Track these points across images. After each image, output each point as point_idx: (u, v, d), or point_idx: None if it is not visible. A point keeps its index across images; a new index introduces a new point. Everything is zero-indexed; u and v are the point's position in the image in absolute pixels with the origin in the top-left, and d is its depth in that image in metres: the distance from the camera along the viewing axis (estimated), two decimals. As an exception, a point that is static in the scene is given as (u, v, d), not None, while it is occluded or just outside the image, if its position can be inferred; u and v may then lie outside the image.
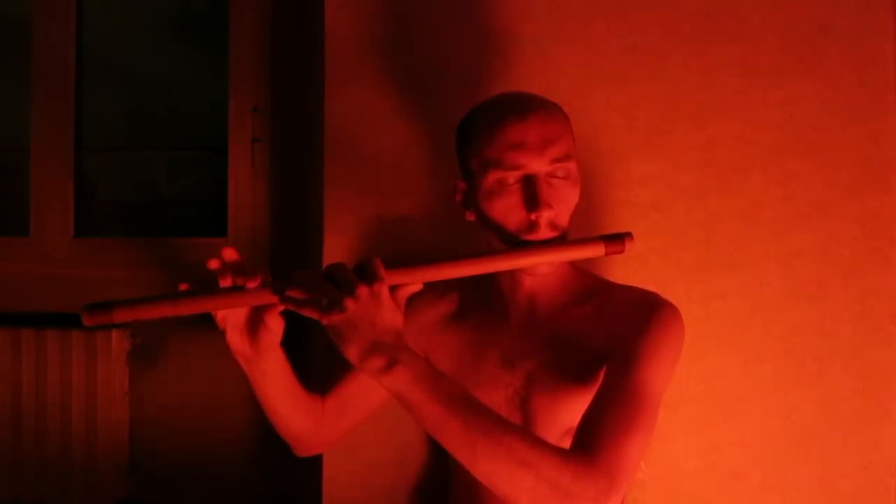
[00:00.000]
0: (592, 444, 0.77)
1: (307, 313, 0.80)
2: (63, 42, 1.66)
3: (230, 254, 0.85)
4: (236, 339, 0.88)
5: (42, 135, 1.66)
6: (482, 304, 1.07)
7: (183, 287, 0.84)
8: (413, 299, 0.86)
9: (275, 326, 0.87)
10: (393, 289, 0.83)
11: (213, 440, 1.60)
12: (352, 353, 0.78)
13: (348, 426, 1.10)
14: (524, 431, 0.77)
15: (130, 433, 1.60)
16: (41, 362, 1.55)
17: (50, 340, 1.55)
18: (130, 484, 1.60)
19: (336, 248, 1.26)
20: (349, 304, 0.77)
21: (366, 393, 1.07)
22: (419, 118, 1.26)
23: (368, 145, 1.27)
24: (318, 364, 1.30)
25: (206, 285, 0.84)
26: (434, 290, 1.07)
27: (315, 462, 1.29)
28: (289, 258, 1.60)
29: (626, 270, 1.21)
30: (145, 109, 1.78)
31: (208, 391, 1.60)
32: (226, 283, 0.84)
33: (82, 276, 1.62)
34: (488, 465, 0.74)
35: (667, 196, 1.22)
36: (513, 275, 1.00)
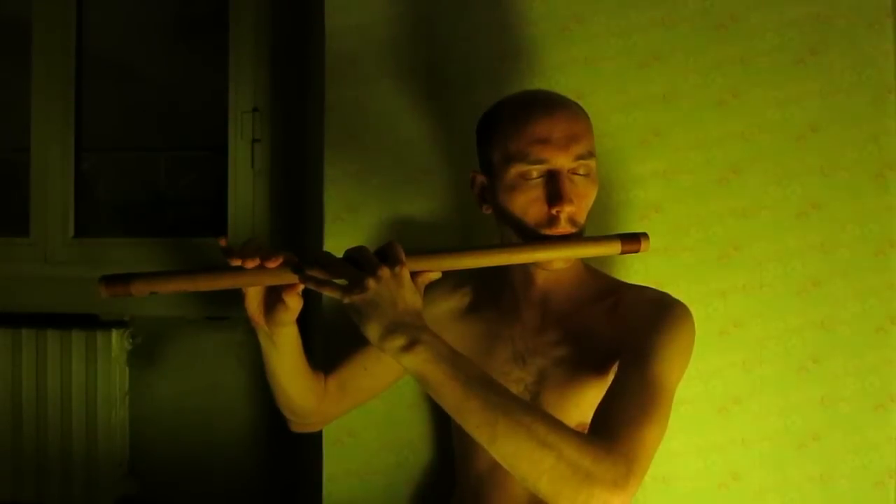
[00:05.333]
0: (611, 431, 0.77)
1: (328, 292, 0.81)
2: (63, 42, 1.66)
3: (249, 263, 0.83)
4: (254, 308, 0.88)
5: (42, 135, 1.66)
6: (494, 299, 1.07)
7: (222, 243, 0.82)
8: (426, 292, 0.87)
9: (293, 304, 0.87)
10: (414, 275, 0.84)
11: (213, 440, 1.61)
12: (372, 332, 0.78)
13: (347, 408, 1.11)
14: (544, 413, 0.77)
15: (130, 433, 1.60)
16: (41, 362, 1.55)
17: (50, 340, 1.55)
18: (130, 483, 1.60)
19: (336, 248, 1.25)
20: (371, 283, 0.78)
21: (369, 379, 1.07)
22: (419, 118, 1.26)
23: (369, 145, 1.27)
24: (317, 344, 1.30)
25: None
26: (446, 283, 1.07)
27: (315, 461, 1.30)
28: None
29: (626, 270, 1.21)
30: (145, 109, 1.78)
31: (208, 391, 1.61)
32: (250, 264, 0.82)
33: (82, 276, 1.62)
34: (508, 444, 0.74)
35: (667, 196, 1.23)
36: (526, 270, 1.01)
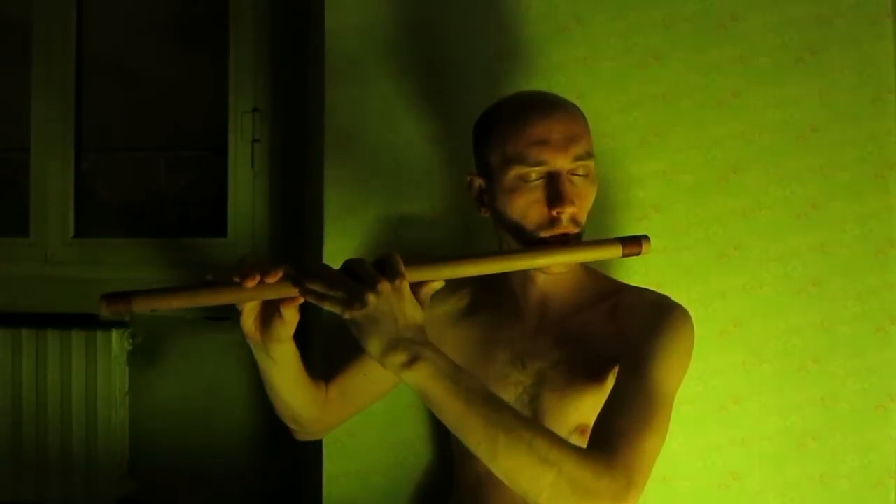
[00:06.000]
0: (610, 444, 0.77)
1: (328, 306, 0.79)
2: (63, 42, 1.66)
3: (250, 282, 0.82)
4: (250, 324, 0.87)
5: (42, 135, 1.66)
6: (493, 301, 1.07)
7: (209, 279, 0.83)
8: None
9: (290, 318, 0.86)
10: (418, 286, 0.83)
11: (213, 440, 1.61)
12: (373, 347, 0.77)
13: (350, 413, 1.10)
14: (545, 429, 0.77)
15: (130, 433, 1.60)
16: (41, 362, 1.55)
17: (50, 340, 1.56)
18: (130, 484, 1.60)
19: (336, 249, 1.26)
20: (371, 298, 0.77)
21: (369, 384, 1.07)
22: (419, 117, 1.26)
23: (369, 145, 1.27)
24: (317, 353, 1.30)
25: (226, 277, 0.83)
26: (444, 287, 1.07)
27: (315, 462, 1.30)
28: (289, 259, 1.60)
29: (626, 270, 1.21)
30: (145, 109, 1.78)
31: (208, 391, 1.61)
32: (250, 283, 0.81)
33: (82, 276, 1.62)
34: (509, 461, 0.73)
35: (667, 196, 1.22)
36: (525, 273, 1.00)
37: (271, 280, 0.81)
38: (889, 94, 1.20)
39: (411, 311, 0.79)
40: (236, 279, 0.80)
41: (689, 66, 1.22)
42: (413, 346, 0.77)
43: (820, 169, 1.21)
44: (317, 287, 0.80)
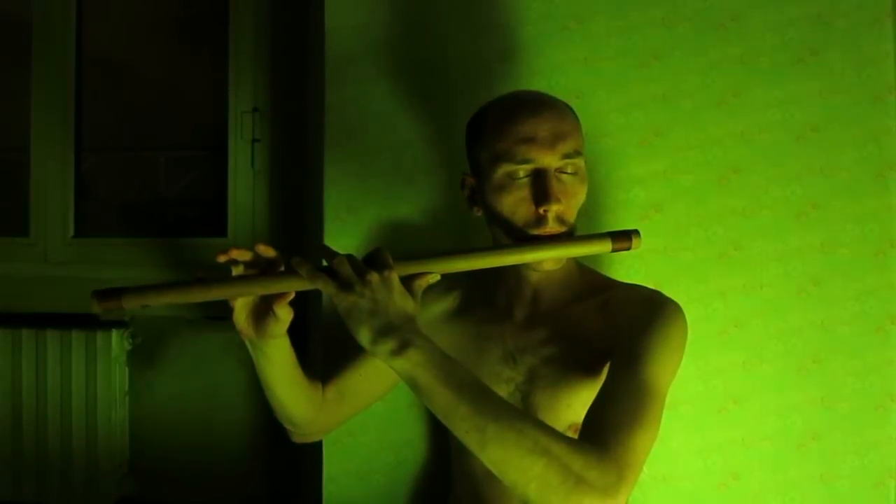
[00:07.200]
0: (602, 437, 0.76)
1: (321, 285, 0.81)
2: (63, 42, 1.66)
3: (241, 254, 0.85)
4: (242, 321, 0.87)
5: (42, 135, 1.66)
6: (485, 300, 1.07)
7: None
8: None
9: (283, 315, 0.86)
10: (410, 279, 0.84)
11: (213, 440, 1.61)
12: (363, 336, 0.78)
13: (346, 416, 1.10)
14: (535, 419, 0.77)
15: (130, 433, 1.60)
16: (41, 362, 1.55)
17: (50, 340, 1.56)
18: (130, 483, 1.60)
19: (336, 248, 1.24)
20: (360, 288, 0.79)
21: (366, 385, 1.07)
22: (419, 117, 1.26)
23: (369, 145, 1.27)
24: (317, 355, 1.30)
25: (216, 273, 0.84)
26: (439, 286, 1.07)
27: (315, 462, 1.30)
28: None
29: (626, 270, 1.21)
30: (145, 109, 1.78)
31: (208, 391, 1.61)
32: (242, 257, 0.85)
33: (82, 276, 1.62)
34: (497, 451, 0.73)
35: (666, 196, 1.23)
36: (518, 271, 1.00)
37: (263, 249, 0.84)
38: (889, 94, 1.20)
39: (401, 301, 0.80)
40: (223, 258, 0.83)
41: (689, 66, 1.22)
42: (403, 333, 0.78)
43: (820, 169, 1.21)
44: (308, 268, 0.82)
